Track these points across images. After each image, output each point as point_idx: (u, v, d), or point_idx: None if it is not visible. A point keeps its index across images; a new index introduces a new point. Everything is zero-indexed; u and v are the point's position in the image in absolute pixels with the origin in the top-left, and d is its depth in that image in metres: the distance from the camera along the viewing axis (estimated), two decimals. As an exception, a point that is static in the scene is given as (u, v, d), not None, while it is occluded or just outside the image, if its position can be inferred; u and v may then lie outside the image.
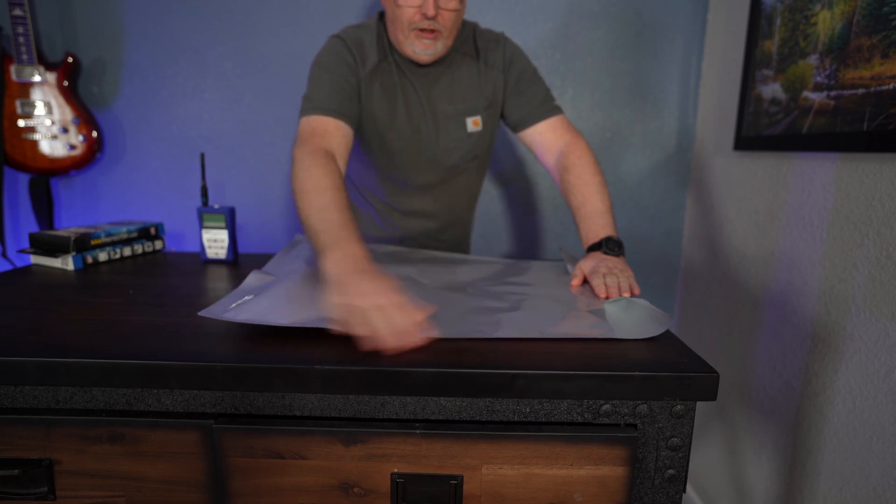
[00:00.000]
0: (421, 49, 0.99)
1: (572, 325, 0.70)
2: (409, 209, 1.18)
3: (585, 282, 0.91)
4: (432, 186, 1.16)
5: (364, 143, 1.11)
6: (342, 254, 0.69)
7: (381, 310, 0.60)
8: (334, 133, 0.95)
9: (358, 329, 0.60)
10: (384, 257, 1.04)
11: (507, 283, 0.90)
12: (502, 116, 1.16)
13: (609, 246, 0.92)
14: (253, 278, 0.81)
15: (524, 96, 1.10)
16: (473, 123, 1.10)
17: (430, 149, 1.11)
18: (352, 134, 0.99)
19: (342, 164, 0.94)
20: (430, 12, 0.94)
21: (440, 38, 0.99)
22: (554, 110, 1.11)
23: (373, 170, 1.15)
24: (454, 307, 0.75)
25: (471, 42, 1.10)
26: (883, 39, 0.89)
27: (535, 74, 1.13)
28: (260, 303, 0.69)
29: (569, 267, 0.98)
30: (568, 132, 1.09)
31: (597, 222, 0.96)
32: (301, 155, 0.87)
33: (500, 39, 1.12)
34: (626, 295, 0.81)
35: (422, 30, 0.97)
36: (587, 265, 0.89)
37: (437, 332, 0.65)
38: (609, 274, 0.84)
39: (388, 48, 1.06)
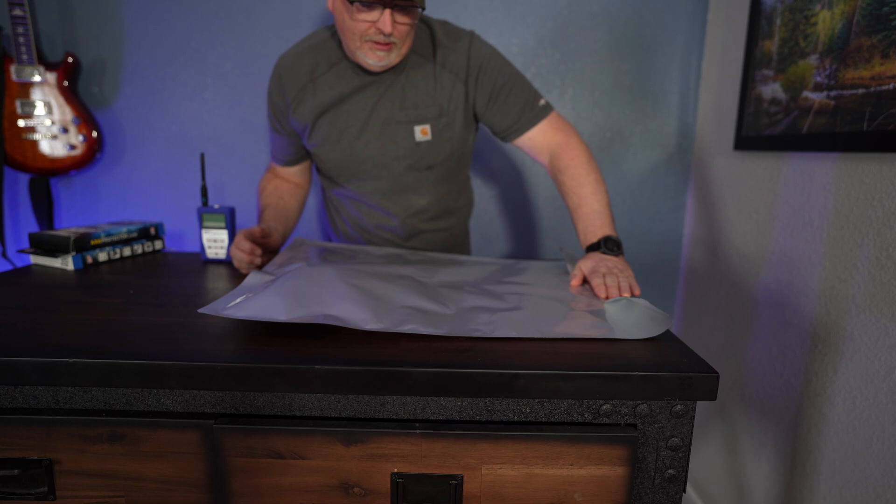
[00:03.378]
0: (374, 60, 0.96)
1: (572, 324, 0.70)
2: (375, 221, 1.16)
3: (585, 282, 0.90)
4: (388, 196, 1.12)
5: (321, 157, 1.10)
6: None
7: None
8: (285, 171, 1.22)
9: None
10: (383, 258, 1.04)
11: (507, 283, 0.90)
12: (478, 122, 1.11)
13: (608, 245, 0.92)
14: (253, 278, 0.81)
15: (505, 106, 1.05)
16: (422, 132, 1.05)
17: (377, 157, 1.07)
18: (302, 165, 1.22)
19: (302, 183, 1.24)
20: (387, 29, 0.90)
21: (394, 49, 0.95)
22: (539, 114, 1.05)
23: (336, 185, 1.16)
24: (454, 306, 0.75)
25: (429, 43, 1.04)
26: (883, 39, 0.89)
27: (513, 78, 1.05)
28: (260, 299, 0.69)
29: (568, 267, 0.98)
30: (558, 132, 1.05)
31: (594, 222, 0.96)
32: (264, 176, 1.24)
33: (464, 41, 1.03)
34: (626, 295, 0.81)
35: (375, 42, 0.93)
36: (587, 265, 0.89)
37: (436, 331, 0.65)
38: (609, 274, 0.84)
39: (339, 55, 1.04)
